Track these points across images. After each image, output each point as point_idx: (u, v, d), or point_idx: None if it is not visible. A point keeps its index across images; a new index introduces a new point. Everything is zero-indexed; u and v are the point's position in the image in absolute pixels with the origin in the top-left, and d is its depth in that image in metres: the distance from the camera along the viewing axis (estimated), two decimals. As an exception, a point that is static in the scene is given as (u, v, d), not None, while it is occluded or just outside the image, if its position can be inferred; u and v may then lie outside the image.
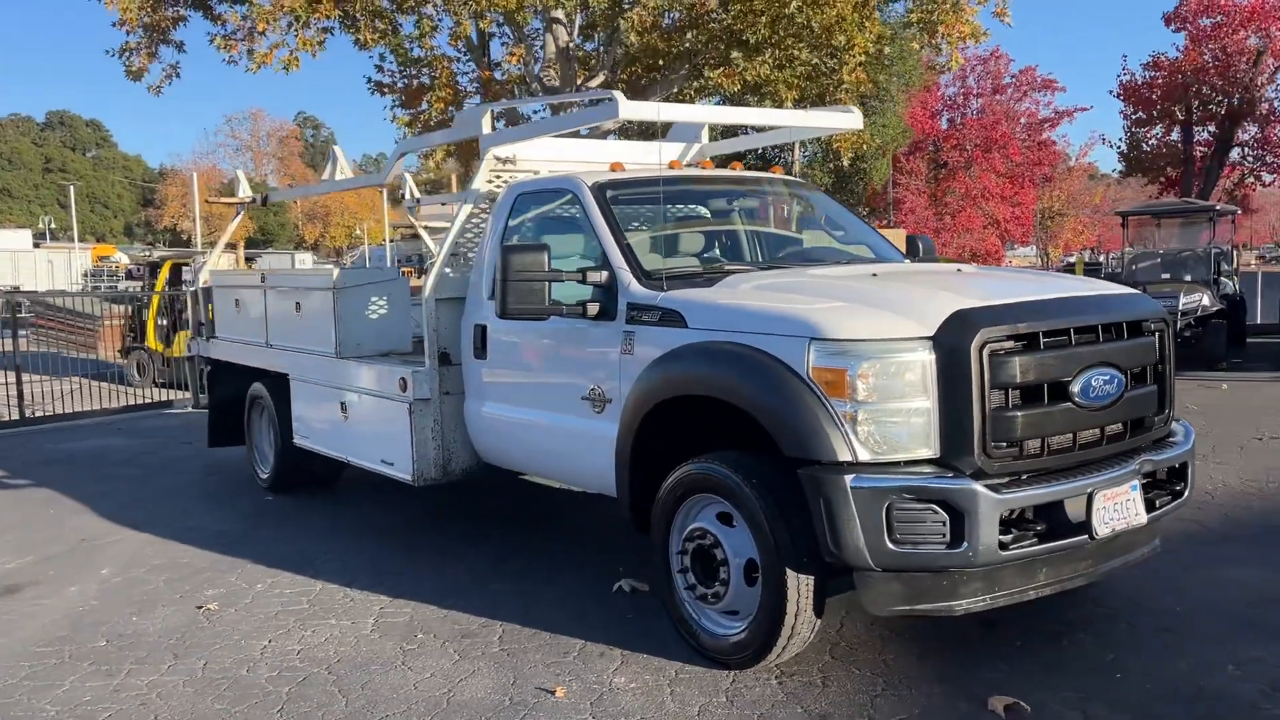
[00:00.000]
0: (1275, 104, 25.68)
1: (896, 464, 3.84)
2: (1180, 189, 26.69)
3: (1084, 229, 61.08)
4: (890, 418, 3.82)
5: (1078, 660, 4.31)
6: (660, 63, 17.92)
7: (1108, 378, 4.10)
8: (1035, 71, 37.30)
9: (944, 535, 3.75)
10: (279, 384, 7.76)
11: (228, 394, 8.94)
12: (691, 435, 4.58)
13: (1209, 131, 27.22)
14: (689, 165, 6.94)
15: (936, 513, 3.75)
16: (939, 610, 3.93)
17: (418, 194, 9.77)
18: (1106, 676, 4.14)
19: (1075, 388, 4.01)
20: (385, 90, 19.30)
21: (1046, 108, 38.14)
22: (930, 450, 3.84)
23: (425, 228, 10.39)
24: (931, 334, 3.85)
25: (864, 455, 3.81)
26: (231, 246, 14.52)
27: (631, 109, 5.21)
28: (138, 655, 4.74)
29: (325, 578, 5.78)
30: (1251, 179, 28.04)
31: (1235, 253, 17.80)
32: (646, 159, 6.69)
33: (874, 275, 4.76)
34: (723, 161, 8.02)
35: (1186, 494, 4.54)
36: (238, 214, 9.61)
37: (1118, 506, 4.08)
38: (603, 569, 5.67)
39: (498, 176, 6.15)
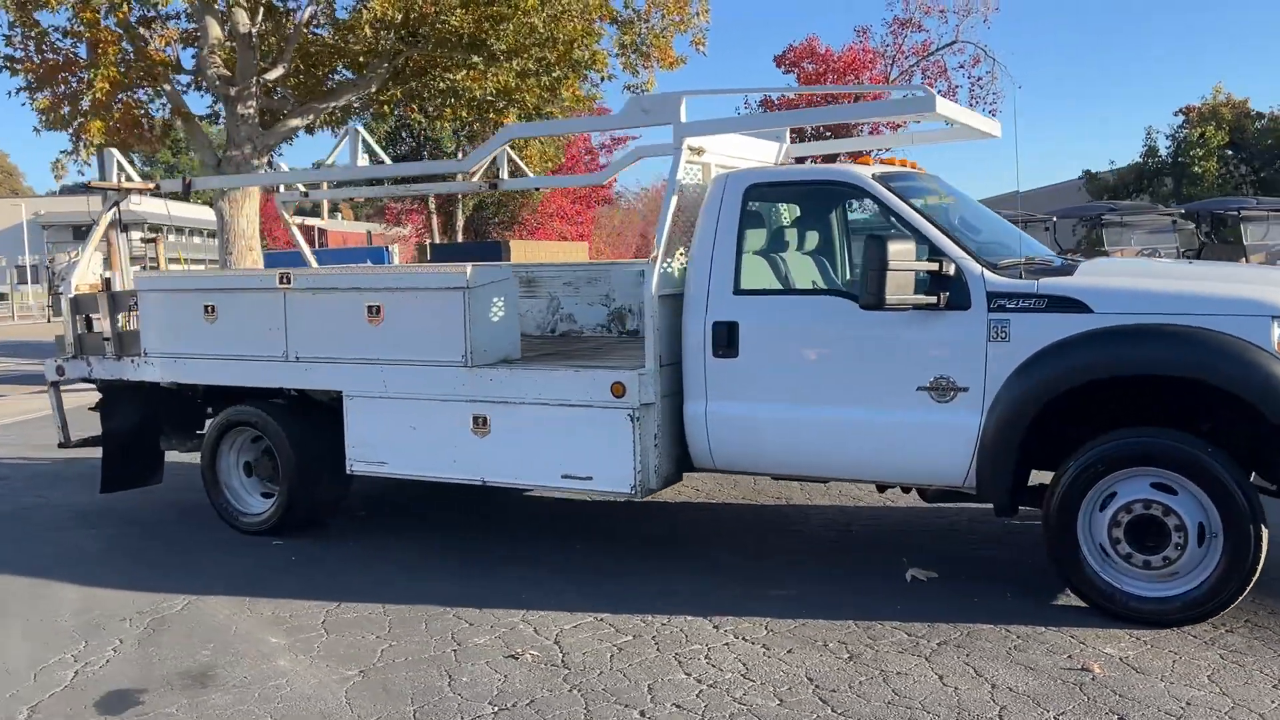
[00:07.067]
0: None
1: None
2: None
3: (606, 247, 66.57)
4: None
5: None
6: (361, 60, 16.86)
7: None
8: (593, 101, 39.89)
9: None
10: (299, 405, 6.60)
11: (130, 426, 7.34)
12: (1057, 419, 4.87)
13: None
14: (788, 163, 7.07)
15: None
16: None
17: (303, 187, 8.68)
18: None
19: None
20: (16, 67, 15.96)
21: (603, 134, 40.97)
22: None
23: (300, 226, 9.14)
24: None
25: (1341, 418, 4.41)
26: (152, 239, 11.32)
27: (947, 107, 5.33)
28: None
29: (545, 606, 5.13)
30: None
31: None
32: (762, 155, 6.71)
33: (1191, 264, 5.37)
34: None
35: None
36: (112, 205, 7.71)
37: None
38: (830, 567, 5.68)
39: (691, 166, 5.85)
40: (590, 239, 42.88)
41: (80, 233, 69.58)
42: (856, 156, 6.44)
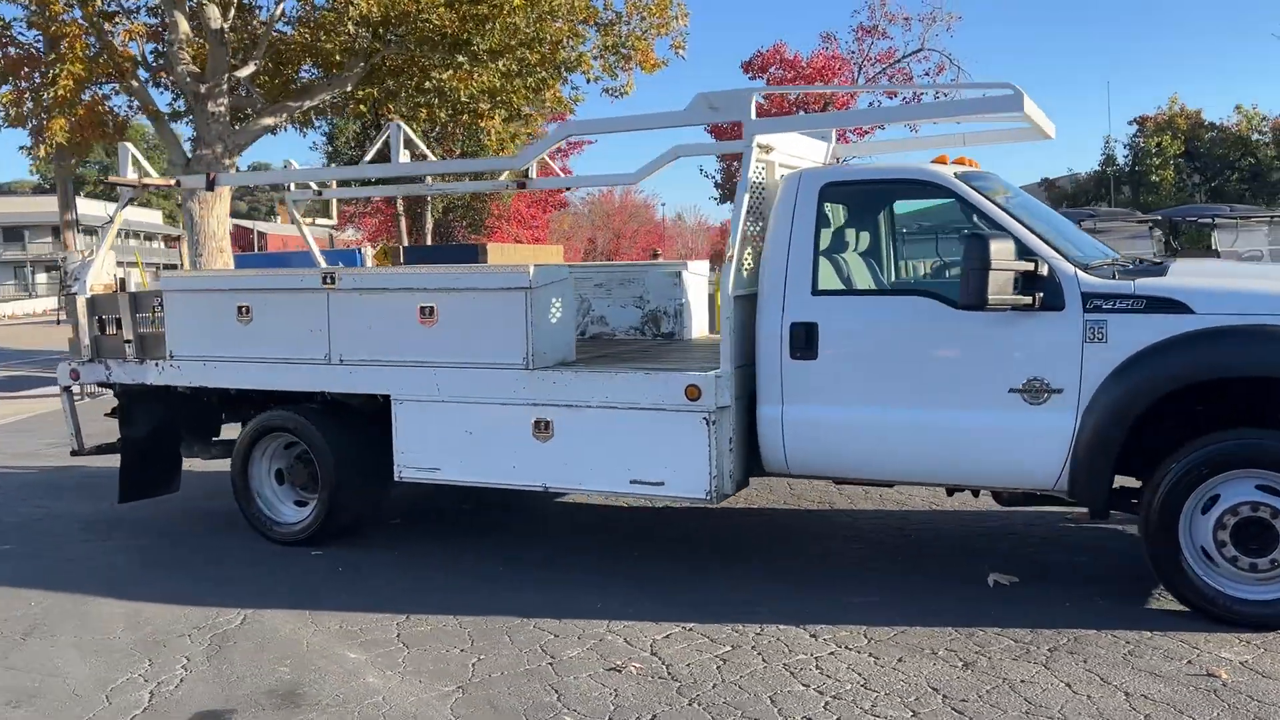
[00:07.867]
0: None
1: None
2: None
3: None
4: None
5: None
6: (338, 58, 16.48)
7: None
8: (575, 103, 39.73)
9: None
10: (337, 409, 6.37)
11: (150, 432, 7.04)
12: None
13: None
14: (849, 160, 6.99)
15: None
16: None
17: (315, 186, 8.42)
18: None
19: None
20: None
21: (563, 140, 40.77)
22: None
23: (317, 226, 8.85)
24: None
25: None
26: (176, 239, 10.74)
27: (1032, 107, 5.25)
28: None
29: (625, 616, 4.97)
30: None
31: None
32: (815, 154, 6.60)
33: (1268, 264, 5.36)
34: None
35: None
36: (126, 201, 7.37)
37: None
38: (884, 570, 5.60)
39: (760, 165, 5.71)
40: (545, 241, 42.60)
41: (11, 234, 67.77)
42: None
